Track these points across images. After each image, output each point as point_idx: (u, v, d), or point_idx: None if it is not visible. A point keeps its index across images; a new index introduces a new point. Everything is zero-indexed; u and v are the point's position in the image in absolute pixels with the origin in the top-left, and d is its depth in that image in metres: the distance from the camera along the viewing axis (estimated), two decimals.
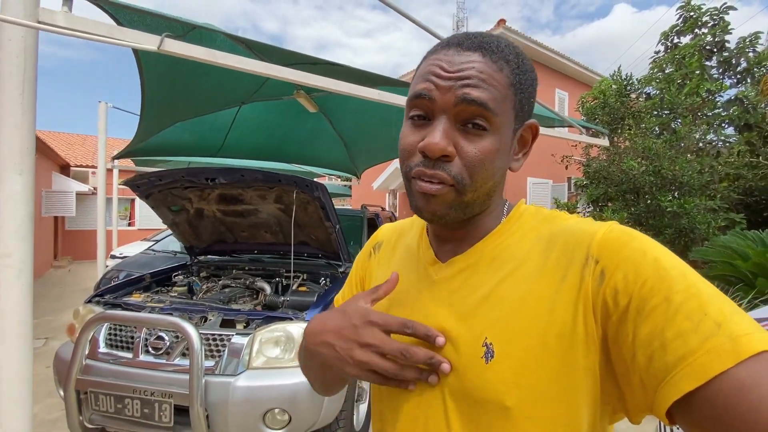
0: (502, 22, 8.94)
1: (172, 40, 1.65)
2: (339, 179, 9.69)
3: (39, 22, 1.41)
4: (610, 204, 5.80)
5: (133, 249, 6.95)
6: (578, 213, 5.99)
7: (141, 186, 2.27)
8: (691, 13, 6.75)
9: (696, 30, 6.74)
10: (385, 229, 0.70)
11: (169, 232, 6.88)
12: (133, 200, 12.66)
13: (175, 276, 2.67)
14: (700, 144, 6.06)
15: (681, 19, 6.89)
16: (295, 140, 4.98)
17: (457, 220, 0.48)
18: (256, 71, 1.89)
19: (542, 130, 3.44)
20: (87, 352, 1.79)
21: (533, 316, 0.43)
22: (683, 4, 6.73)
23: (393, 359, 0.46)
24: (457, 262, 0.51)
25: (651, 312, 0.36)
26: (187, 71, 2.82)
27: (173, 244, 5.71)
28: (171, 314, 1.92)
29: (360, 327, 0.46)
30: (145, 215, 12.81)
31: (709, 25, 6.61)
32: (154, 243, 6.17)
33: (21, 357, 1.39)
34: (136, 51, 2.32)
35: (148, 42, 1.63)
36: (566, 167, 6.66)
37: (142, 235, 10.66)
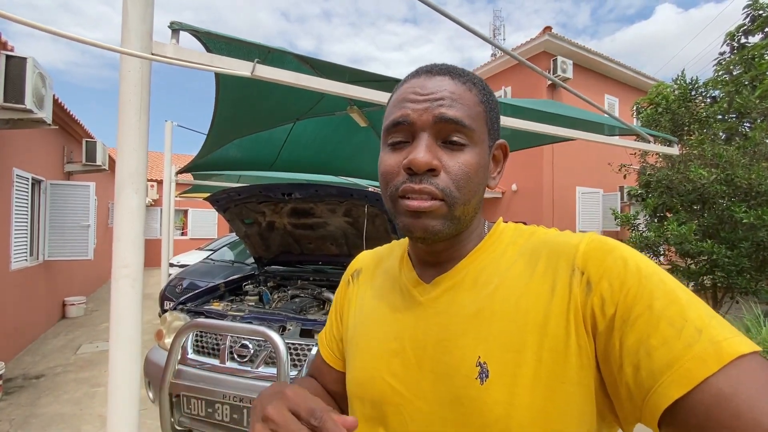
0: (547, 29, 8.77)
1: (262, 66, 1.76)
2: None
3: (153, 54, 1.55)
4: (669, 214, 5.46)
5: (189, 258, 7.35)
6: (638, 224, 5.72)
7: (220, 201, 2.42)
8: (760, 12, 6.30)
9: (767, 29, 6.27)
10: (363, 256, 0.68)
11: (223, 242, 7.26)
12: (186, 211, 13.43)
13: (245, 285, 2.80)
14: None
15: (749, 18, 6.44)
16: (343, 154, 5.12)
17: (449, 236, 0.48)
18: (332, 91, 1.98)
19: (599, 137, 3.32)
20: (179, 358, 1.91)
21: (526, 331, 0.42)
22: (751, 2, 6.30)
23: None
24: (442, 282, 0.50)
25: (635, 321, 0.36)
26: (255, 92, 3.00)
27: (229, 254, 5.99)
28: (251, 323, 2.02)
29: (269, 400, 0.40)
30: (197, 226, 13.54)
31: None
32: (210, 252, 6.49)
33: (131, 359, 1.50)
34: (217, 76, 2.51)
35: (242, 68, 1.75)
36: (624, 176, 6.34)
37: (194, 245, 11.27)
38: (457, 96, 0.46)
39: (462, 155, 0.45)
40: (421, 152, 0.44)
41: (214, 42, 2.07)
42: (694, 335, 0.34)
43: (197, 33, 1.81)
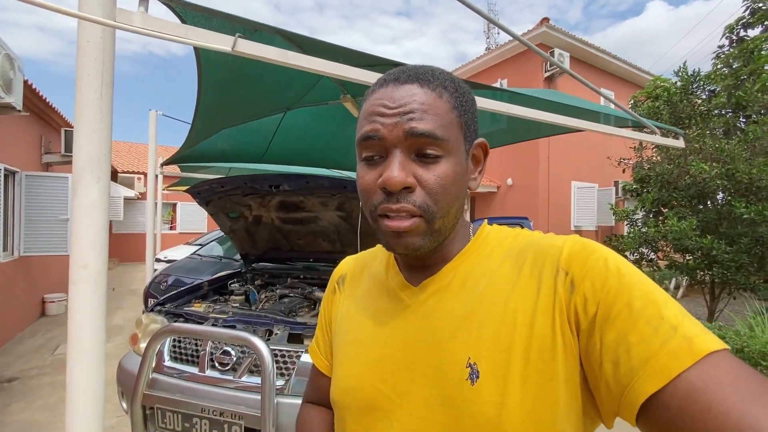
0: (545, 20, 8.62)
1: (244, 41, 1.57)
2: None
3: (117, 22, 1.35)
4: (665, 210, 5.38)
5: (177, 253, 7.10)
6: (637, 219, 5.62)
7: (202, 193, 2.22)
8: (760, 4, 6.21)
9: (766, 22, 6.18)
10: (347, 262, 0.68)
11: (211, 237, 7.02)
12: (174, 205, 13.10)
13: (230, 284, 2.61)
14: None
15: (748, 11, 6.35)
16: (336, 147, 4.92)
17: (431, 248, 0.47)
18: (323, 71, 1.79)
19: (605, 128, 3.17)
20: (154, 365, 1.73)
21: (514, 331, 0.42)
22: None
23: None
24: (429, 285, 0.50)
25: (615, 318, 0.37)
26: (240, 78, 2.78)
27: (217, 249, 5.77)
28: (235, 326, 1.84)
29: None
30: (186, 220, 13.22)
31: None
32: (198, 248, 6.26)
33: (93, 372, 1.32)
34: (198, 58, 2.29)
35: (221, 42, 1.55)
36: (624, 171, 6.24)
37: (183, 239, 10.98)
38: (427, 106, 0.44)
39: (437, 167, 0.44)
40: (395, 171, 0.43)
41: (189, 14, 1.86)
42: (669, 332, 0.35)
43: (169, 0, 1.61)
